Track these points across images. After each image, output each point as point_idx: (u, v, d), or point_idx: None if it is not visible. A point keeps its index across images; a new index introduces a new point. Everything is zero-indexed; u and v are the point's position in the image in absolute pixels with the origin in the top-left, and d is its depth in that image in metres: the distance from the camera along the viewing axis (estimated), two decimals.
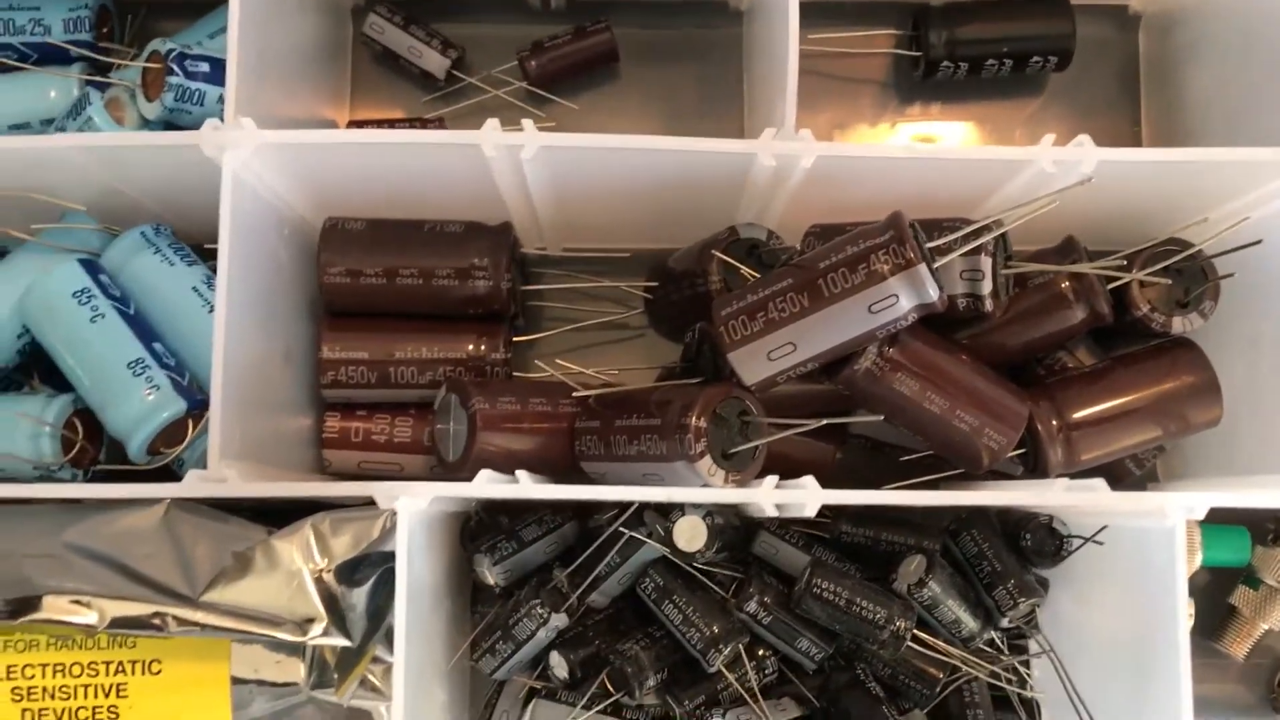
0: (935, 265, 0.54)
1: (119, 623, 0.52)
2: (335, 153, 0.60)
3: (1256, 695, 0.74)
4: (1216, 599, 0.73)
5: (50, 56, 0.69)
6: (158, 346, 0.59)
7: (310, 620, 0.53)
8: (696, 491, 0.58)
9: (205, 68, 0.64)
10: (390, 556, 0.55)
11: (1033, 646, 0.69)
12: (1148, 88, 0.78)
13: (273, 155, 0.57)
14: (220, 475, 0.53)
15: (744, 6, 0.77)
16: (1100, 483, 0.58)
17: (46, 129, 0.69)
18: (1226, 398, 0.64)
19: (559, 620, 0.62)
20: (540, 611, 0.61)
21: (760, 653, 0.66)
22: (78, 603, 0.52)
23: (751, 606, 0.62)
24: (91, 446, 0.61)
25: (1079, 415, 0.62)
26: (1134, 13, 0.77)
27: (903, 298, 0.52)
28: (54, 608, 0.52)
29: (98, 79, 0.70)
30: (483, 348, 0.65)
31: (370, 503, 0.55)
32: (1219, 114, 0.71)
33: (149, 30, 0.74)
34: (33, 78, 0.69)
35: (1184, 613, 0.56)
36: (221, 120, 0.55)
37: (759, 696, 0.64)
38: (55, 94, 0.68)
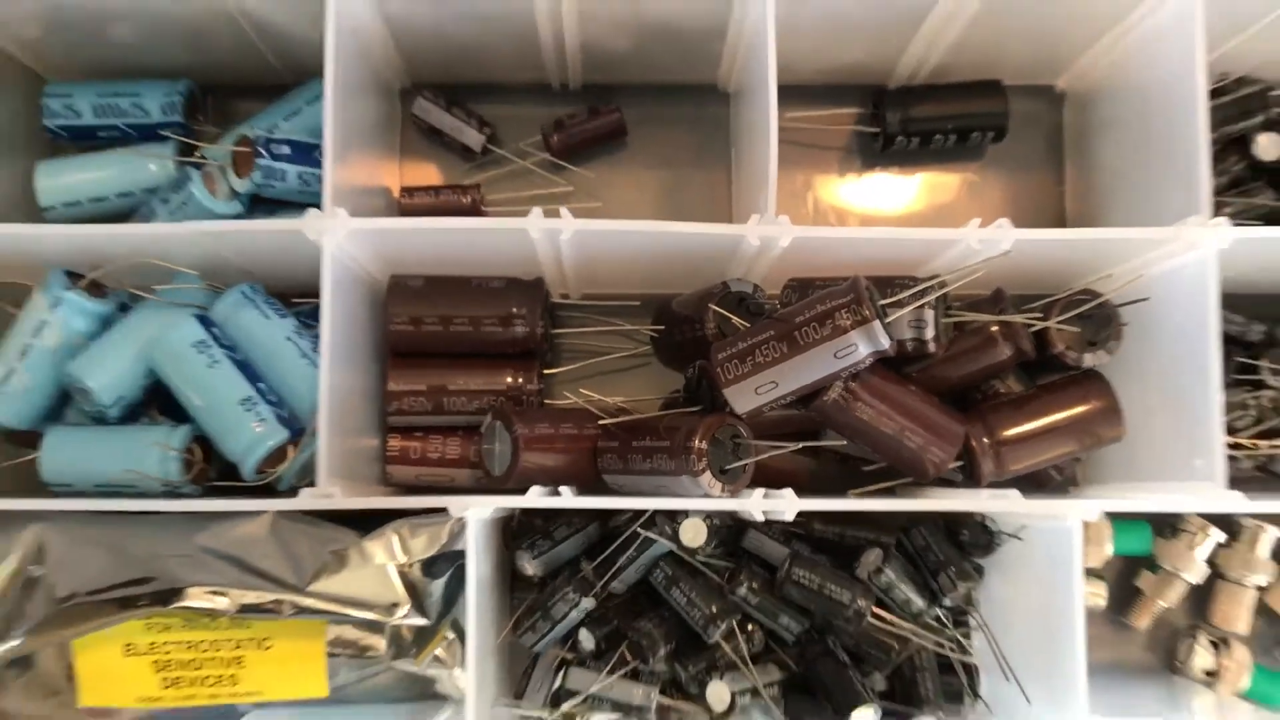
0: (888, 319, 0.64)
1: (245, 608, 0.63)
2: (410, 235, 0.69)
3: (1158, 659, 0.81)
4: (1125, 582, 0.81)
5: (148, 134, 0.77)
6: (262, 386, 0.68)
7: (395, 605, 0.64)
8: (699, 501, 0.67)
9: (287, 150, 0.72)
10: (459, 555, 0.65)
11: (971, 621, 0.76)
12: (1070, 155, 0.85)
13: (359, 237, 0.66)
14: (328, 492, 0.63)
15: (731, 89, 0.84)
16: (1014, 493, 0.67)
17: (149, 197, 0.76)
18: (1128, 419, 0.73)
19: (587, 604, 0.71)
20: (572, 597, 0.70)
21: (749, 628, 0.74)
22: (214, 593, 0.62)
23: (742, 591, 0.71)
24: (208, 466, 0.70)
25: (1007, 434, 0.71)
26: (1059, 91, 0.85)
27: (861, 346, 0.63)
28: (196, 596, 0.62)
29: (192, 159, 0.77)
30: (520, 380, 0.75)
31: (437, 511, 0.65)
32: (1125, 182, 0.78)
33: (228, 109, 0.82)
34: (135, 153, 0.77)
35: (1080, 593, 0.65)
36: (319, 208, 0.64)
37: (749, 663, 0.72)
38: (155, 168, 0.76)
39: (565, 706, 0.73)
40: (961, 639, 0.74)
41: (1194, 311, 0.67)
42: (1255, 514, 0.79)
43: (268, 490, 0.67)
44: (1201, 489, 0.66)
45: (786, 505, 0.64)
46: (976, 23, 0.73)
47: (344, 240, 0.64)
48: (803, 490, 0.67)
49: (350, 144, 0.70)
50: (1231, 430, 0.74)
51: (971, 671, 0.74)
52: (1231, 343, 0.78)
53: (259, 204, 0.75)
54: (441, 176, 0.83)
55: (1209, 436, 0.65)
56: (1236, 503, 0.64)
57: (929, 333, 0.69)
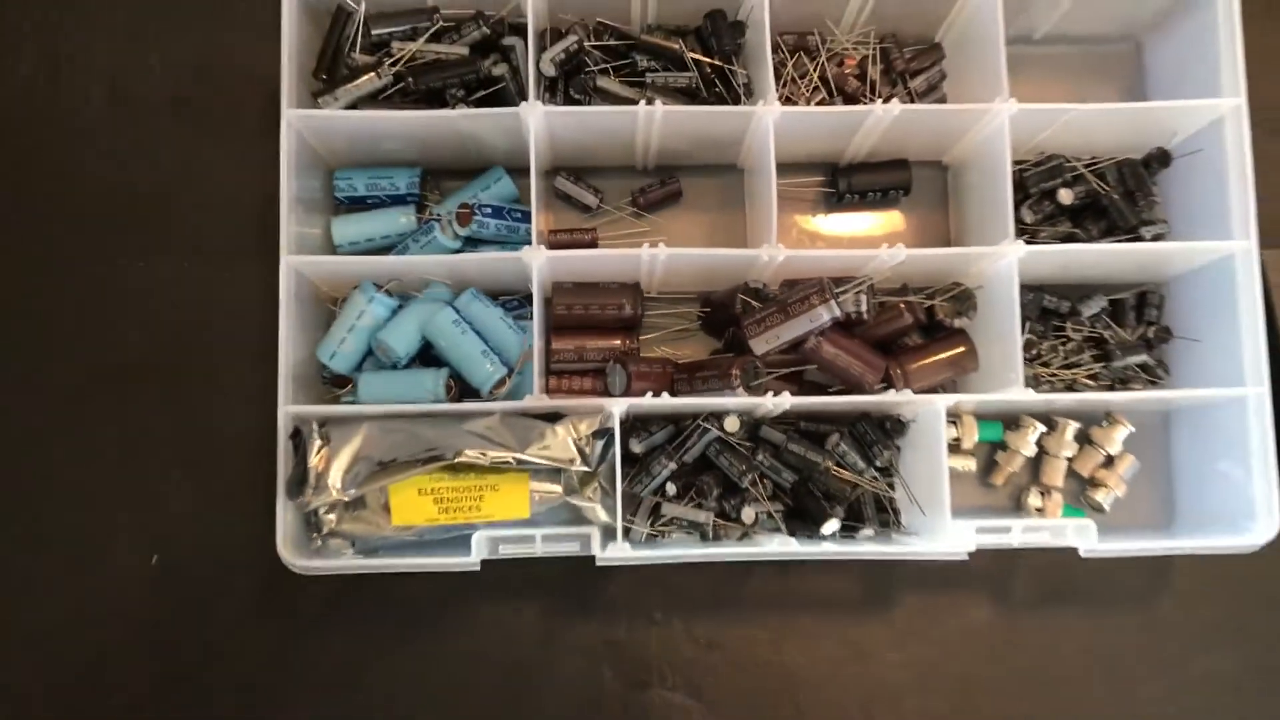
0: (840, 299, 0.91)
1: (495, 462, 0.88)
2: (573, 260, 0.95)
3: (1010, 505, 1.07)
4: (989, 458, 1.05)
5: (399, 200, 1.03)
6: (489, 344, 0.95)
7: (572, 460, 0.90)
8: (735, 401, 0.91)
9: (490, 211, 0.98)
10: (607, 431, 0.91)
11: (894, 476, 0.99)
12: (950, 204, 1.09)
13: (549, 261, 0.92)
14: (540, 400, 0.90)
15: (746, 167, 1.07)
16: (908, 393, 0.93)
17: (403, 240, 1.00)
18: (981, 356, 0.98)
19: (672, 466, 0.93)
20: (664, 461, 0.93)
21: (762, 479, 0.96)
22: (480, 453, 0.88)
23: (760, 457, 0.94)
24: (458, 392, 0.95)
25: (911, 366, 0.98)
26: (944, 164, 1.09)
27: (825, 315, 0.90)
28: (470, 456, 0.88)
29: (426, 216, 1.01)
30: (627, 342, 1.00)
31: (598, 411, 0.91)
32: (976, 220, 1.03)
33: (443, 184, 1.06)
34: (392, 212, 1.02)
35: (944, 451, 0.91)
36: (531, 244, 0.91)
37: (764, 498, 0.95)
38: (404, 221, 1.01)
39: (657, 523, 0.95)
40: (888, 486, 0.98)
41: (1007, 293, 0.93)
42: (1057, 410, 1.04)
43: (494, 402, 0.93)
44: (1013, 390, 0.91)
45: (785, 400, 0.91)
46: (893, 127, 0.97)
47: (543, 264, 0.92)
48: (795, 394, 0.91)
49: (538, 206, 0.95)
50: (1046, 365, 1.02)
51: (894, 505, 0.98)
52: (1050, 313, 1.04)
53: (468, 242, 1.00)
54: (571, 223, 1.07)
55: (1015, 361, 0.91)
56: (1030, 395, 0.91)
57: (864, 309, 0.96)
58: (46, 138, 1.09)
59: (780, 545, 0.92)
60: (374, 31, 1.00)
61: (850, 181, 1.06)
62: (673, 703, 1.01)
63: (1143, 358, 1.03)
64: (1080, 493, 1.06)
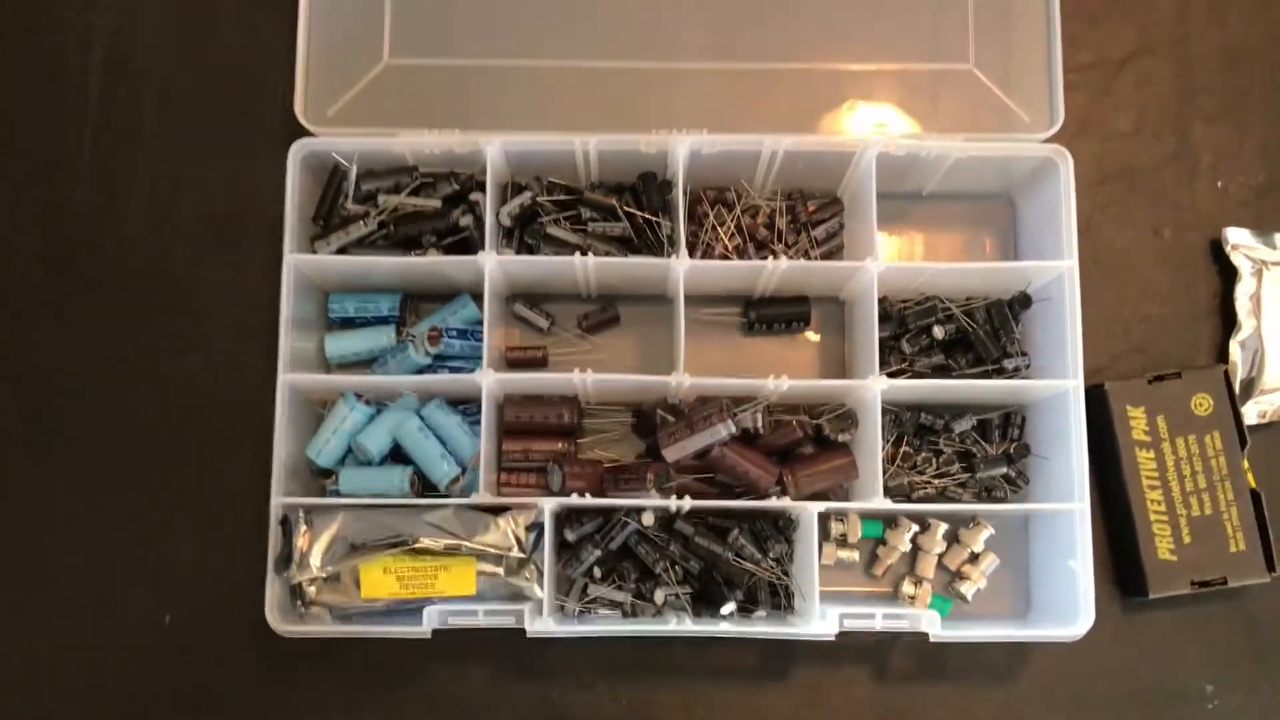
0: (738, 417, 1.05)
1: (448, 548, 1.03)
2: (519, 382, 1.14)
3: (891, 588, 1.20)
4: (873, 550, 1.19)
5: (382, 321, 1.16)
6: (449, 446, 1.09)
7: (511, 548, 1.04)
8: (650, 501, 1.05)
9: (455, 334, 1.13)
10: (540, 525, 1.05)
11: (786, 565, 1.14)
12: (845, 334, 1.24)
13: (498, 381, 1.08)
14: (485, 496, 1.04)
15: (671, 296, 1.16)
16: (789, 501, 1.07)
17: (384, 354, 1.14)
18: (860, 466, 1.10)
19: (597, 553, 1.08)
20: (589, 550, 1.08)
21: (673, 566, 1.10)
22: (432, 540, 1.04)
23: (672, 547, 1.09)
24: (421, 487, 1.11)
25: (801, 474, 1.09)
26: (840, 300, 1.22)
27: (723, 431, 1.03)
28: (426, 542, 1.04)
29: (403, 336, 1.15)
30: (565, 445, 1.13)
31: (534, 507, 1.06)
32: (858, 352, 1.17)
33: (420, 308, 1.21)
34: (376, 332, 1.16)
35: (815, 548, 1.05)
36: (481, 365, 1.07)
37: (673, 582, 1.09)
38: (386, 340, 1.15)
39: (584, 601, 1.08)
40: (781, 573, 1.10)
41: (872, 417, 1.08)
42: (929, 513, 1.17)
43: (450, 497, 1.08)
44: (874, 500, 1.06)
45: (687, 502, 1.05)
46: (789, 272, 1.12)
47: (492, 383, 1.07)
48: (699, 497, 1.07)
49: (492, 328, 1.11)
50: (921, 473, 1.17)
51: (788, 590, 1.10)
52: (925, 429, 1.18)
53: (438, 358, 1.14)
54: (524, 340, 1.22)
55: (877, 474, 1.07)
56: (886, 503, 1.07)
57: (760, 425, 1.11)
58: (90, 249, 1.28)
59: (685, 624, 1.07)
60: (363, 186, 1.18)
61: (758, 313, 1.20)
62: None
63: (1004, 470, 1.17)
64: (948, 583, 1.19)
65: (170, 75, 1.25)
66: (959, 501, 1.17)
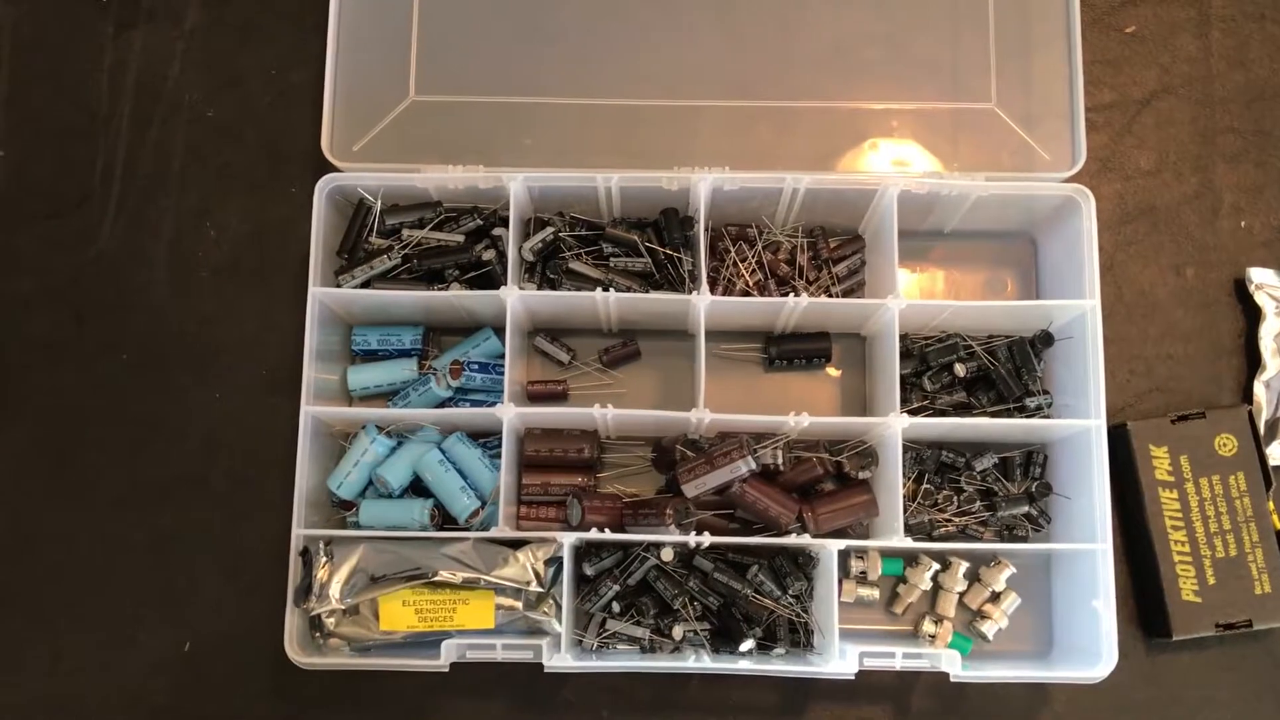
0: (758, 453, 1.06)
1: (467, 582, 1.03)
2: (539, 416, 1.13)
3: (911, 627, 1.20)
4: (893, 588, 1.19)
5: (404, 353, 1.18)
6: (469, 480, 1.09)
7: (529, 582, 1.04)
8: (670, 537, 1.05)
9: (477, 367, 1.14)
10: (559, 559, 1.05)
11: (805, 603, 1.12)
12: (866, 371, 1.23)
13: (519, 415, 1.09)
14: (504, 530, 1.04)
15: (692, 332, 1.17)
16: (809, 538, 1.08)
17: (406, 387, 1.15)
18: (880, 504, 1.11)
19: (616, 588, 1.06)
20: (609, 584, 1.06)
21: (692, 601, 1.10)
22: (451, 573, 1.04)
23: (691, 583, 1.08)
24: (440, 519, 1.11)
25: (821, 512, 1.09)
26: (862, 336, 1.22)
27: (743, 468, 1.02)
28: (445, 575, 1.03)
29: (425, 369, 1.17)
30: (584, 479, 1.13)
31: (553, 541, 1.07)
32: (880, 387, 1.15)
33: (441, 341, 1.22)
34: (398, 364, 1.17)
35: (835, 585, 1.05)
36: (502, 400, 1.08)
37: (691, 619, 1.09)
38: (408, 372, 1.16)
39: (602, 636, 1.08)
40: (801, 610, 1.09)
41: (893, 454, 1.08)
42: (949, 552, 1.17)
43: (469, 530, 1.09)
44: (894, 539, 1.06)
45: (706, 538, 1.04)
46: (809, 309, 1.13)
47: (513, 417, 1.08)
48: (718, 533, 1.06)
49: (514, 363, 1.13)
50: (942, 510, 1.16)
51: (807, 628, 1.09)
52: (947, 466, 1.17)
53: (459, 391, 1.16)
54: (545, 374, 1.23)
55: (897, 513, 1.06)
56: (906, 542, 1.05)
57: (781, 461, 1.11)
58: (117, 282, 1.31)
59: (704, 661, 1.07)
60: (388, 221, 1.19)
61: (779, 349, 1.21)
62: None
63: (1026, 509, 1.16)
64: (969, 622, 1.18)
65: (199, 111, 1.28)
66: (980, 540, 1.15)
